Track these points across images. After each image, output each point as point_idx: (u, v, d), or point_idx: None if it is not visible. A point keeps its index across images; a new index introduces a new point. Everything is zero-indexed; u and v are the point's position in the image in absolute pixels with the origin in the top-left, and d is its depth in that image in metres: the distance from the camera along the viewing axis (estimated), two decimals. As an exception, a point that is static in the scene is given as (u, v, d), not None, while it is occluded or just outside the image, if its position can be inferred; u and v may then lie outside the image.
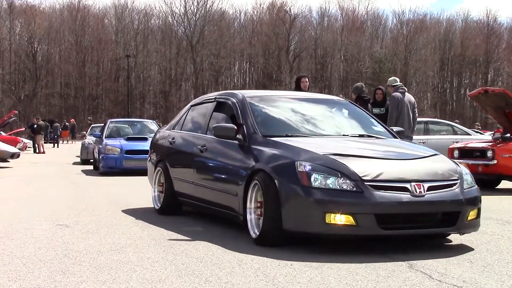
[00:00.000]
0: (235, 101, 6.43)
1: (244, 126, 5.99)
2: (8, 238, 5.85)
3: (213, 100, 7.03)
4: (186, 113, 7.69)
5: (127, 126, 17.56)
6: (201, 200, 6.60)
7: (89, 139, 19.76)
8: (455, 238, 5.81)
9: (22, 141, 27.65)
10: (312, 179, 4.98)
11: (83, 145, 19.97)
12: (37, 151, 28.15)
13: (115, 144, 15.09)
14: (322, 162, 5.10)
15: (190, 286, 4.04)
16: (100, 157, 15.08)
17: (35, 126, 29.34)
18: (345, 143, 5.79)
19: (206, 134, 6.71)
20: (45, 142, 31.59)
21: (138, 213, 7.64)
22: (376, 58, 63.81)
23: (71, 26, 64.81)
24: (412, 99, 10.90)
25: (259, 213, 5.44)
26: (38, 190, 10.70)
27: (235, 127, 5.96)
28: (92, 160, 17.62)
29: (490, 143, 11.59)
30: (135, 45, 65.61)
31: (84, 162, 19.08)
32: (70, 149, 31.33)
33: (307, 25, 69.65)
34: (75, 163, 19.40)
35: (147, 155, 13.73)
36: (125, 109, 56.03)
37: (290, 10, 67.64)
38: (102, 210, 7.89)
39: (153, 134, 8.42)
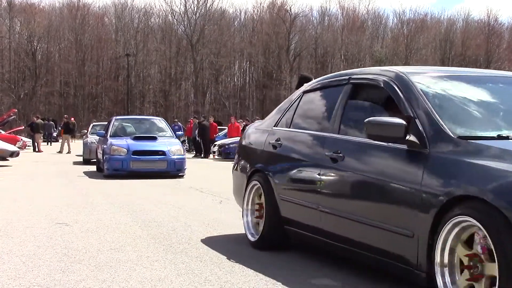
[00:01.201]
0: (390, 81, 4.17)
1: (418, 121, 3.75)
2: (7, 236, 5.82)
3: (345, 82, 4.72)
4: (296, 103, 5.36)
5: (133, 124, 16.21)
6: (335, 237, 4.35)
7: (91, 138, 19.43)
8: None
9: (21, 139, 27.58)
10: None
11: (85, 144, 19.59)
12: (37, 149, 28.01)
13: (121, 144, 13.70)
14: None
15: (189, 285, 4.03)
16: (105, 158, 13.72)
17: (34, 124, 29.19)
18: None
19: (338, 133, 4.52)
20: (43, 141, 31.44)
21: (136, 211, 7.57)
22: (376, 58, 63.77)
23: (71, 24, 64.71)
24: None
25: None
26: (38, 189, 10.64)
27: (405, 123, 3.73)
28: (94, 160, 17.15)
29: None
30: (135, 43, 65.50)
31: (86, 161, 18.80)
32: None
33: (307, 24, 69.50)
34: (76, 163, 19.16)
35: (157, 156, 13.24)
36: (125, 108, 56.03)
37: (290, 9, 67.55)
38: (101, 209, 7.85)
39: (245, 131, 6.20)
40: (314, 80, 5.43)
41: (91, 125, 23.73)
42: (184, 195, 9.82)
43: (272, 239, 5.19)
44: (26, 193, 10.01)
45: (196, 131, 25.34)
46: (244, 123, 24.74)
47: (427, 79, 4.18)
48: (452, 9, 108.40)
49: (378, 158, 3.98)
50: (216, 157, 24.14)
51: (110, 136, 14.72)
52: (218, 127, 28.51)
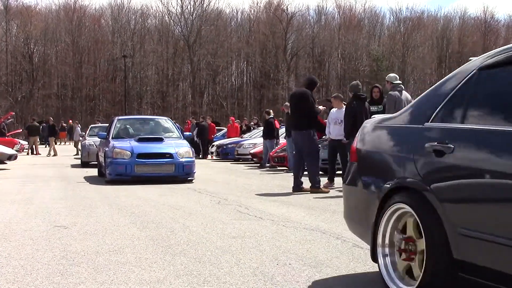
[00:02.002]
0: None
1: None
2: (5, 239, 5.81)
3: None
4: (469, 85, 3.48)
5: (137, 124, 15.14)
6: None
7: (89, 140, 19.23)
8: None
9: (19, 142, 27.48)
10: None
11: (83, 146, 19.34)
12: (34, 152, 27.95)
13: (124, 147, 12.71)
14: None
15: (188, 287, 4.02)
16: (107, 162, 12.70)
17: (30, 127, 29.04)
18: None
19: None
20: (41, 144, 31.46)
21: (135, 213, 7.55)
22: (373, 56, 63.60)
23: (68, 26, 64.50)
24: (409, 96, 10.80)
25: None
26: (36, 192, 10.61)
27: None
28: (93, 162, 16.92)
29: None
30: (131, 45, 65.33)
31: (84, 164, 18.51)
32: (63, 150, 31.05)
33: (304, 24, 69.20)
34: (74, 166, 19.08)
35: (164, 159, 12.51)
36: (123, 110, 55.74)
37: (287, 8, 67.42)
38: (100, 211, 7.83)
39: (361, 130, 4.33)
40: (495, 50, 3.51)
41: (90, 127, 23.55)
42: (183, 196, 9.74)
43: None
44: (24, 195, 9.97)
45: (195, 132, 25.29)
46: (244, 122, 24.62)
47: None
48: (449, 6, 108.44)
49: None
50: (214, 157, 24.13)
51: (112, 138, 13.76)
52: (216, 127, 28.50)
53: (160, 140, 13.38)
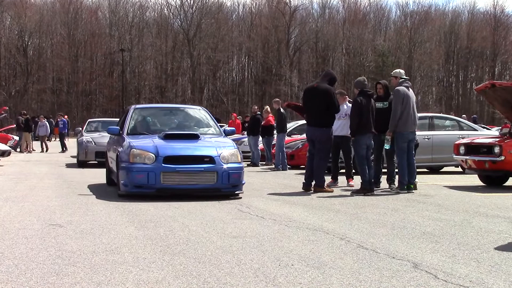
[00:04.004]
0: None
1: None
2: None
3: None
4: None
5: (161, 116, 11.28)
6: None
7: (87, 136, 17.53)
8: (461, 236, 5.84)
9: (13, 138, 26.34)
10: None
11: (80, 143, 17.32)
12: (28, 149, 26.96)
13: (146, 146, 9.06)
14: None
15: (188, 287, 3.99)
16: (121, 167, 9.03)
17: (21, 121, 27.80)
18: None
19: None
20: (35, 139, 30.41)
21: (132, 211, 7.39)
22: (379, 52, 62.63)
23: (63, 19, 63.10)
24: (414, 95, 10.65)
25: None
26: (30, 189, 10.44)
27: None
28: (92, 162, 15.74)
29: (497, 139, 11.53)
30: (129, 38, 64.06)
31: (81, 164, 16.83)
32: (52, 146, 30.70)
33: (307, 18, 68.21)
34: (69, 165, 17.40)
35: (202, 165, 8.91)
36: (120, 105, 54.79)
37: (290, 2, 66.45)
38: (96, 210, 7.72)
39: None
40: None
41: (87, 121, 21.61)
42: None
43: None
44: (17, 193, 9.81)
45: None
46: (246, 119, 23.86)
47: None
48: (457, 0, 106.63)
49: None
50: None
51: (127, 133, 10.07)
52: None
53: (194, 137, 9.65)
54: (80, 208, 7.87)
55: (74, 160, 18.22)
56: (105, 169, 11.66)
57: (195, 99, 62.33)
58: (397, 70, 10.75)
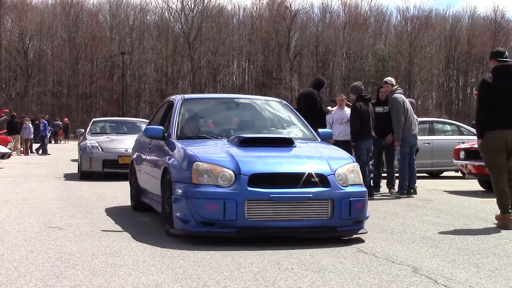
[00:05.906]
0: None
1: None
2: None
3: None
4: None
5: (224, 110, 7.67)
6: None
7: (91, 140, 14.03)
8: (461, 241, 5.85)
9: (13, 140, 26.06)
10: None
11: (83, 149, 13.73)
12: (29, 151, 27.09)
13: (217, 159, 5.80)
14: None
15: None
16: (176, 192, 5.74)
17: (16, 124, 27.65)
18: None
19: None
20: (35, 142, 30.24)
21: (132, 214, 7.40)
22: (379, 56, 62.70)
23: (64, 22, 63.10)
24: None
25: None
26: (30, 192, 10.43)
27: None
28: (98, 171, 13.10)
29: None
30: (130, 41, 64.01)
31: (84, 175, 13.43)
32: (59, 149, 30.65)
33: (308, 22, 68.26)
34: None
35: (307, 190, 5.59)
36: (120, 108, 54.78)
37: (290, 6, 66.31)
38: (96, 212, 7.76)
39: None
40: None
41: (92, 121, 17.39)
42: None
43: None
44: (17, 195, 9.81)
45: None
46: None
47: None
48: (458, 5, 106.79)
49: None
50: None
51: (176, 137, 6.67)
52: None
53: (286, 143, 6.33)
54: (80, 210, 7.88)
55: (75, 165, 15.60)
56: (126, 182, 9.01)
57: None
58: (390, 78, 10.79)
